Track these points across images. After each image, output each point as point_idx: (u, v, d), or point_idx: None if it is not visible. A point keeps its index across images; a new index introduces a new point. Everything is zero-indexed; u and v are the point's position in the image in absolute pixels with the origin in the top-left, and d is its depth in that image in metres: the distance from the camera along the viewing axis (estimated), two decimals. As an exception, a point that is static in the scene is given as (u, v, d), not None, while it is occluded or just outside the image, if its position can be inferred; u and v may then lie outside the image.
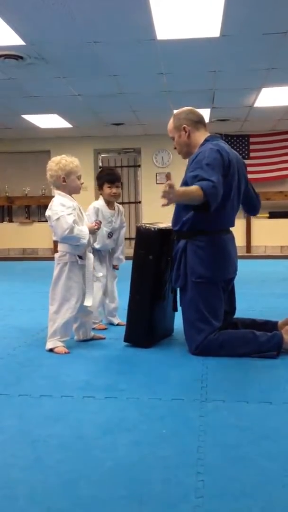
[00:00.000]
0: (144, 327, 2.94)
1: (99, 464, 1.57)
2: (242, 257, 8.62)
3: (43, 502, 1.37)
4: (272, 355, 2.68)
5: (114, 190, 3.47)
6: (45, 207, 11.33)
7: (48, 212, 2.94)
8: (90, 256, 3.02)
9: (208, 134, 2.93)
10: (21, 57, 5.17)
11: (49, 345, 2.89)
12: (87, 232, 2.90)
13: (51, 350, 2.87)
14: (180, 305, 2.92)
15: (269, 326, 2.97)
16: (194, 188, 2.51)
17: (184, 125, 2.89)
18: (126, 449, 1.67)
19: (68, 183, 2.96)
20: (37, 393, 2.21)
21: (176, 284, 2.88)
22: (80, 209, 3.03)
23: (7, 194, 10.25)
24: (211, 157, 2.67)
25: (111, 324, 3.57)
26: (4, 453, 1.66)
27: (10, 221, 10.39)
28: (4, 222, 10.38)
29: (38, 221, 10.18)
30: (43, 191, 10.07)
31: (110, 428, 1.83)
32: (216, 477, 1.48)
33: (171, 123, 2.98)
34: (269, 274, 6.72)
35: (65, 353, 2.83)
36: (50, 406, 2.06)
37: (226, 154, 2.74)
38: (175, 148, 3.02)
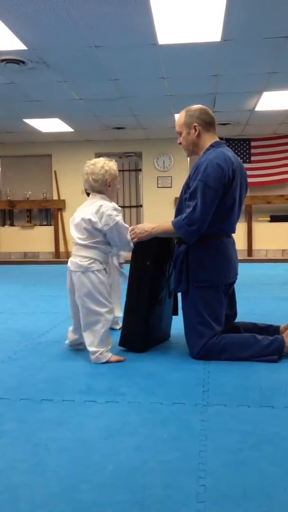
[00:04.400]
0: (139, 331, 2.93)
1: (101, 468, 1.57)
2: (243, 260, 8.65)
3: (44, 506, 1.37)
4: (273, 359, 2.68)
5: None
6: (46, 210, 11.23)
7: (94, 217, 2.75)
8: (112, 264, 2.97)
9: (217, 139, 2.91)
10: (23, 62, 5.18)
11: (100, 359, 2.76)
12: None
13: (107, 362, 2.77)
14: (181, 309, 2.92)
15: (271, 330, 2.97)
16: (169, 226, 2.78)
17: (195, 124, 2.84)
18: (127, 453, 1.67)
19: (112, 188, 2.93)
20: (38, 397, 2.21)
21: (178, 288, 2.88)
22: None
23: (8, 198, 10.27)
24: (211, 178, 2.67)
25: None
26: (6, 457, 1.66)
27: (12, 224, 10.40)
28: (5, 226, 10.39)
29: (40, 225, 10.20)
30: (45, 195, 10.09)
31: (111, 432, 1.83)
32: (217, 481, 1.48)
33: (181, 118, 2.90)
34: (270, 277, 6.71)
35: (123, 360, 2.78)
36: (51, 410, 2.06)
37: (230, 164, 2.73)
38: (180, 143, 2.96)
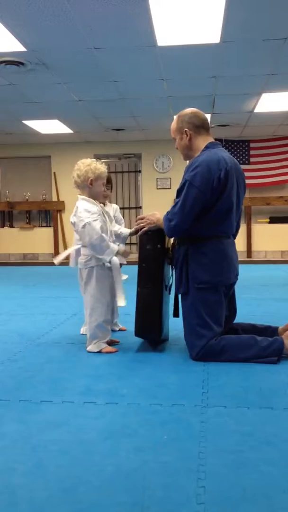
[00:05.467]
0: (156, 316, 2.92)
1: (100, 469, 1.57)
2: (243, 262, 8.64)
3: (44, 508, 1.37)
4: (272, 360, 2.68)
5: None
6: (46, 212, 11.24)
7: (73, 219, 2.97)
8: (115, 259, 3.00)
9: (211, 140, 2.91)
10: (22, 63, 5.19)
11: (93, 348, 2.97)
12: (115, 249, 2.93)
13: (99, 352, 2.96)
14: (181, 310, 2.92)
15: (269, 331, 2.97)
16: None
17: (186, 129, 2.86)
18: (127, 454, 1.67)
19: (94, 187, 2.99)
20: (37, 398, 2.21)
21: (179, 290, 2.88)
22: (103, 213, 3.05)
23: (7, 199, 10.27)
24: (197, 178, 2.69)
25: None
26: (5, 459, 1.66)
27: (11, 226, 10.41)
28: (4, 227, 10.40)
29: (39, 226, 10.20)
30: (44, 196, 10.10)
31: (111, 434, 1.83)
32: (217, 483, 1.48)
33: (174, 124, 2.95)
34: (269, 279, 6.72)
35: (115, 351, 2.97)
36: (51, 412, 2.06)
37: (223, 164, 2.73)
38: (177, 148, 3.00)
